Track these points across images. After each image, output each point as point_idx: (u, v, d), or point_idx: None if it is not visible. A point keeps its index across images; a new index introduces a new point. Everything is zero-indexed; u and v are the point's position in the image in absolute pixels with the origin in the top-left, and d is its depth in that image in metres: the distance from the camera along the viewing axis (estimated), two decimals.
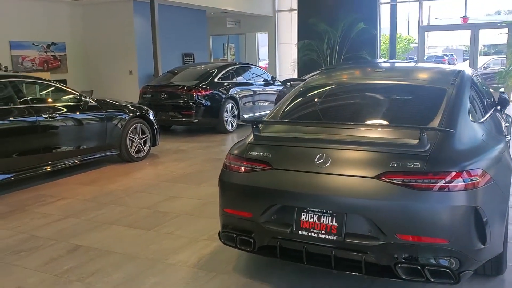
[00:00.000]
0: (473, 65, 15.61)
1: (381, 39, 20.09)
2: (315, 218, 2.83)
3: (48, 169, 6.18)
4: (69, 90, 6.79)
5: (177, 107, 9.95)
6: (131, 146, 7.47)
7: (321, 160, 2.86)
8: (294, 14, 19.27)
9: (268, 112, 11.64)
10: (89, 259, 3.88)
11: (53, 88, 6.80)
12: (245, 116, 10.93)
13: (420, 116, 3.28)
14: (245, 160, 3.14)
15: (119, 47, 14.47)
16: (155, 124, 7.92)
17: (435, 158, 2.67)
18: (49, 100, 6.66)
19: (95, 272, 3.62)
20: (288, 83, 9.78)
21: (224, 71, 10.72)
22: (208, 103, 10.00)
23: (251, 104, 11.21)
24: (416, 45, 41.36)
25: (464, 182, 2.61)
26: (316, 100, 3.86)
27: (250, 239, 3.07)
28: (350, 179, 2.77)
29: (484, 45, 21.87)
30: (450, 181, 2.60)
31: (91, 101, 6.87)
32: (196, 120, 9.92)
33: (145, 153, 7.76)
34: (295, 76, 17.90)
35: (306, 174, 2.88)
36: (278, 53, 19.71)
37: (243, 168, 3.14)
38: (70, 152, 6.50)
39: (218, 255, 3.92)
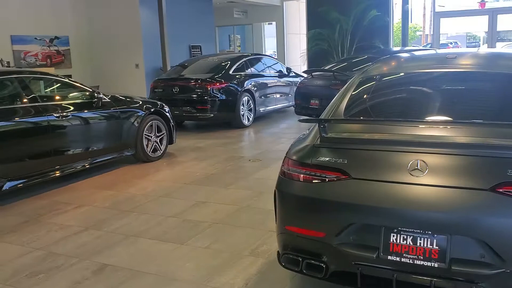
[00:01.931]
0: None
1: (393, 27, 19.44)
2: (409, 240, 2.30)
3: (59, 173, 5.64)
4: (81, 85, 6.23)
5: (191, 102, 9.41)
6: (147, 145, 6.94)
7: (416, 168, 2.32)
8: (302, 3, 18.63)
9: (285, 104, 11.17)
10: (119, 282, 3.36)
11: (63, 84, 6.25)
12: (261, 109, 10.38)
13: None
14: (312, 167, 2.60)
15: (124, 40, 13.87)
16: (171, 120, 7.39)
17: None
18: (60, 97, 6.11)
19: None
20: (310, 75, 9.23)
21: (238, 63, 10.16)
22: (224, 97, 9.45)
23: (267, 96, 10.66)
24: (421, 33, 40.61)
25: None
26: (388, 92, 3.30)
27: (321, 264, 2.54)
28: (455, 192, 2.24)
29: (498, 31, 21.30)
30: None
31: (105, 97, 6.32)
32: (212, 115, 9.37)
33: (161, 152, 7.23)
34: (305, 67, 17.31)
35: (396, 186, 2.35)
36: (286, 43, 19.10)
37: (309, 177, 2.60)
38: (84, 154, 5.98)
39: (268, 274, 3.41)
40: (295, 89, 11.78)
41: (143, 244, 4.01)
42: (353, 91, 3.20)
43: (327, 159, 2.57)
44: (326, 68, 9.56)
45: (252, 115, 10.04)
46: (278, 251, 2.90)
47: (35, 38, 12.83)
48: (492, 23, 15.39)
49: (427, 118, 2.79)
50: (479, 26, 22.73)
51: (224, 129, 9.68)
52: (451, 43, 28.85)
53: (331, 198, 2.49)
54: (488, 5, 15.35)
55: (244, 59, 10.50)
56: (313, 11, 16.89)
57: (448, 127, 2.59)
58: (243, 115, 9.76)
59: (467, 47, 28.04)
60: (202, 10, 16.11)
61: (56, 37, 13.37)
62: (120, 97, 6.77)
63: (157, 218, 4.62)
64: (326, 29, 16.10)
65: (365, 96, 3.24)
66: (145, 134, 6.86)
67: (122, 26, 13.80)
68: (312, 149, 2.69)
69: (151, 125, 7.00)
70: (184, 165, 6.81)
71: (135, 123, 6.68)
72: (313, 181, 2.58)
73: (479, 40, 28.28)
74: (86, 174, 6.25)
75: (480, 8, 15.47)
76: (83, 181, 6.07)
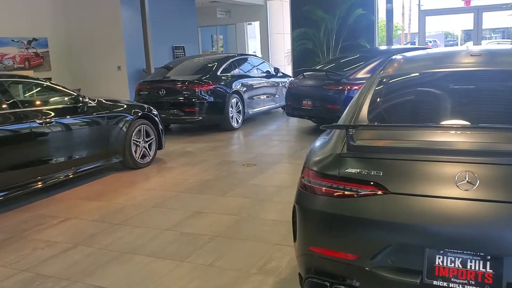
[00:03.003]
0: None
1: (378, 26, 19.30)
2: (457, 262, 2.03)
3: (42, 184, 5.25)
4: (65, 89, 5.85)
5: (178, 104, 9.06)
6: (135, 151, 6.58)
7: (465, 180, 2.04)
8: (285, 3, 18.38)
9: (273, 106, 10.86)
10: None
11: (45, 87, 5.86)
12: (250, 111, 10.08)
13: None
14: (340, 179, 2.30)
15: (106, 41, 13.42)
16: (160, 124, 7.04)
17: None
18: (43, 102, 5.71)
19: None
20: (301, 75, 8.96)
21: (226, 64, 9.84)
22: (212, 99, 9.12)
23: (256, 98, 10.36)
24: (401, 31, 40.79)
25: None
26: (417, 93, 3.01)
27: None
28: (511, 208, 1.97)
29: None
30: None
31: (90, 101, 5.94)
32: (200, 117, 9.04)
33: (151, 158, 6.88)
34: (290, 67, 17.06)
35: (442, 201, 2.07)
36: (271, 43, 18.83)
37: (337, 192, 2.30)
38: (69, 162, 5.59)
39: None
40: (283, 90, 11.60)
41: (140, 262, 3.67)
42: (374, 93, 2.91)
43: (358, 170, 2.27)
44: (317, 68, 9.29)
45: (241, 117, 9.73)
46: (299, 274, 2.60)
47: (12, 40, 12.32)
48: (478, 21, 15.36)
49: (469, 123, 2.50)
50: (457, 24, 22.79)
51: (213, 132, 9.35)
52: (430, 42, 28.95)
53: (366, 215, 2.19)
54: (473, 3, 15.31)
55: (232, 60, 10.19)
56: (298, 10, 16.65)
57: (499, 132, 2.31)
58: (232, 118, 9.44)
59: (445, 45, 28.14)
60: (185, 10, 15.75)
61: (34, 39, 12.87)
62: (106, 100, 6.40)
63: (152, 232, 4.28)
64: (311, 28, 15.86)
65: (390, 98, 2.95)
66: (133, 140, 6.50)
67: (103, 27, 13.36)
68: (337, 159, 2.39)
69: (140, 130, 6.65)
70: (175, 172, 6.47)
71: (123, 128, 6.32)
72: (342, 196, 2.28)
73: (457, 38, 28.45)
74: (70, 183, 5.87)
75: (466, 6, 15.41)
76: (68, 192, 5.69)
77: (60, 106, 5.68)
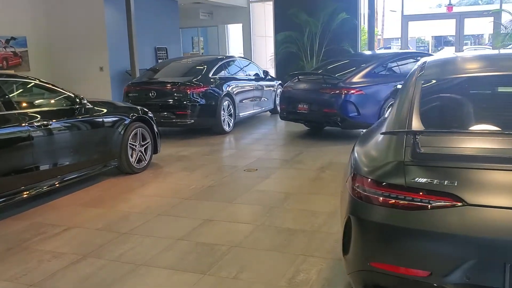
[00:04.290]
0: None
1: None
2: None
3: (32, 192, 4.95)
4: (62, 90, 5.56)
5: (169, 107, 8.80)
6: (131, 155, 6.32)
7: None
8: (268, 5, 18.28)
9: (263, 109, 10.70)
10: None
11: (41, 88, 5.54)
12: (241, 114, 9.90)
13: None
14: (407, 190, 2.15)
15: (88, 41, 13.01)
16: (155, 127, 6.79)
17: None
18: (40, 103, 5.39)
19: None
20: (296, 78, 8.83)
21: (217, 66, 9.63)
22: (204, 101, 8.90)
23: (246, 101, 10.18)
24: (379, 37, 41.49)
25: None
26: (472, 97, 2.88)
27: None
28: None
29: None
30: None
31: (88, 103, 5.67)
32: (192, 121, 8.80)
33: (146, 162, 6.62)
34: (273, 70, 16.93)
35: None
36: (254, 46, 18.68)
37: (404, 203, 2.15)
38: (68, 166, 5.31)
39: None
40: (272, 93, 11.47)
41: (159, 275, 3.45)
42: (422, 98, 2.77)
43: (428, 180, 2.12)
44: (310, 71, 9.18)
45: (232, 120, 9.53)
46: None
47: None
48: (460, 27, 15.58)
49: None
50: (428, 30, 23.04)
51: (204, 135, 9.12)
52: (399, 47, 29.33)
53: (440, 229, 2.05)
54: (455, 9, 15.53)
55: (222, 62, 9.98)
56: (282, 13, 16.56)
57: None
58: (224, 121, 9.24)
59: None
60: (167, 11, 15.46)
61: (13, 38, 12.36)
62: (103, 102, 6.13)
63: (164, 242, 4.05)
64: (294, 31, 15.79)
65: (442, 103, 2.83)
66: (129, 143, 6.24)
67: (86, 26, 12.95)
68: (401, 167, 2.24)
69: (136, 133, 6.39)
70: (174, 177, 6.23)
71: (120, 132, 6.05)
72: (409, 207, 2.13)
73: (427, 44, 28.92)
74: (65, 189, 5.57)
75: (448, 12, 15.62)
76: (64, 198, 5.40)
77: (58, 107, 5.40)
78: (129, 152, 6.26)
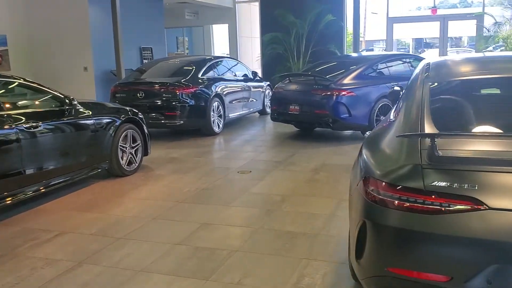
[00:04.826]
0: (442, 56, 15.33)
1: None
2: None
3: (32, 194, 4.81)
4: (51, 91, 5.40)
5: (158, 108, 8.66)
6: (122, 158, 6.18)
7: None
8: (254, 6, 18.22)
9: (252, 110, 10.62)
10: None
11: (30, 88, 5.37)
12: (230, 115, 9.80)
13: None
14: (427, 194, 2.09)
15: (71, 41, 12.76)
16: (145, 129, 6.66)
17: None
18: (29, 104, 5.23)
19: None
20: (287, 79, 8.77)
21: (206, 66, 9.52)
22: (194, 102, 8.77)
23: (236, 102, 10.09)
24: (361, 39, 41.80)
25: None
26: (483, 99, 2.85)
27: None
28: None
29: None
30: None
31: (79, 105, 5.52)
32: (181, 121, 8.67)
33: (137, 165, 6.48)
34: (260, 71, 16.87)
35: None
36: (240, 46, 18.59)
37: (423, 207, 2.09)
38: (59, 170, 5.16)
39: None
40: (261, 94, 11.41)
41: (160, 282, 3.34)
42: (432, 101, 2.72)
43: (447, 184, 2.07)
44: (301, 72, 9.14)
45: (222, 121, 9.43)
46: None
47: None
48: (444, 29, 15.73)
49: None
50: (408, 33, 23.24)
51: (194, 136, 9.00)
52: (384, 49, 29.55)
53: (462, 233, 2.00)
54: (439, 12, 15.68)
55: (211, 62, 9.87)
56: (268, 14, 16.50)
57: None
58: (213, 122, 9.13)
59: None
60: (153, 11, 15.29)
61: None
62: (93, 103, 5.99)
63: (162, 247, 3.94)
64: (281, 32, 15.75)
65: (454, 105, 2.78)
66: (120, 145, 6.10)
67: (69, 25, 12.71)
68: (418, 170, 2.18)
69: (126, 135, 6.25)
70: (166, 180, 6.11)
71: (111, 133, 5.91)
72: (430, 212, 2.08)
73: (408, 46, 29.22)
74: (55, 193, 5.40)
75: (432, 14, 15.75)
76: (54, 202, 5.24)
77: (48, 109, 5.26)
78: (120, 154, 6.12)
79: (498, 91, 2.92)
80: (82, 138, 5.54)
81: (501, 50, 14.80)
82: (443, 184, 2.09)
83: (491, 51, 14.91)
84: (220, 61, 10.42)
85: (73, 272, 3.53)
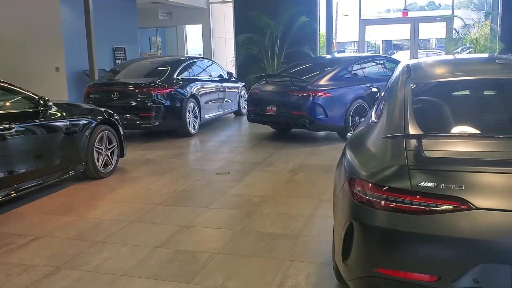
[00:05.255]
0: (414, 58, 15.59)
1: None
2: None
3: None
4: (25, 91, 5.26)
5: (133, 109, 8.55)
6: (97, 160, 6.07)
7: None
8: (227, 7, 18.17)
9: (227, 111, 10.59)
10: None
11: (2, 89, 5.19)
12: (206, 116, 9.75)
13: None
14: (414, 194, 2.12)
15: (42, 40, 12.45)
16: (121, 130, 6.56)
17: None
18: (1, 106, 5.07)
19: None
20: (264, 80, 8.77)
21: (181, 67, 9.45)
22: (169, 103, 8.70)
23: (211, 103, 10.04)
24: (333, 40, 42.18)
25: None
26: (466, 100, 2.90)
27: None
28: None
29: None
30: None
31: (53, 106, 5.39)
32: (157, 122, 8.58)
33: (112, 166, 6.38)
34: (234, 71, 16.84)
35: None
36: (213, 47, 18.52)
37: (411, 207, 2.11)
38: (32, 173, 5.03)
39: None
40: (237, 95, 11.39)
41: (141, 286, 3.29)
42: (415, 102, 2.76)
43: (434, 184, 2.10)
44: (277, 73, 9.16)
45: (197, 122, 9.37)
46: None
47: None
48: (415, 31, 16.01)
49: None
50: (382, 34, 23.57)
51: (169, 138, 8.92)
52: (355, 51, 29.91)
53: (450, 233, 2.03)
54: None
55: (186, 63, 9.80)
56: (242, 15, 16.50)
57: None
58: (189, 123, 9.06)
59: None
60: (126, 11, 15.09)
61: None
62: (67, 104, 5.87)
63: (142, 250, 3.88)
64: (256, 34, 15.77)
65: (437, 107, 2.82)
66: (95, 147, 5.99)
67: (40, 24, 12.41)
68: (405, 171, 2.21)
69: (102, 137, 6.14)
70: (142, 182, 6.02)
71: (87, 135, 5.80)
72: (418, 212, 2.10)
73: (378, 48, 29.66)
74: (29, 196, 5.26)
75: (403, 16, 16.01)
76: (28, 205, 5.11)
77: (21, 110, 5.12)
78: (95, 156, 6.01)
79: (479, 92, 2.98)
80: (57, 140, 5.42)
81: (469, 52, 15.13)
82: (430, 184, 2.12)
83: (459, 53, 15.24)
84: (195, 61, 10.36)
85: (51, 278, 3.44)
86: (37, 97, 5.26)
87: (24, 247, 4.01)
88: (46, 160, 5.25)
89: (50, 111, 5.31)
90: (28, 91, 5.30)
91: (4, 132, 4.63)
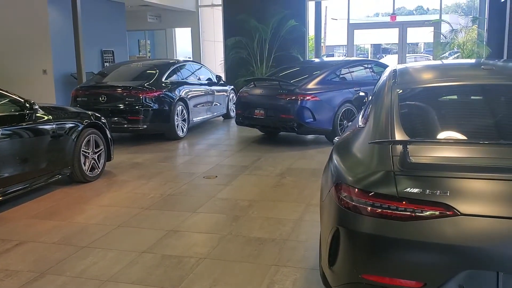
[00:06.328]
0: (402, 62, 15.71)
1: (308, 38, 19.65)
2: None
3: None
4: (10, 94, 5.22)
5: (121, 112, 8.49)
6: (84, 163, 6.02)
7: None
8: (216, 10, 18.17)
9: (215, 114, 10.57)
10: None
11: None
12: (195, 119, 9.72)
13: None
14: (400, 200, 2.12)
15: (30, 43, 12.34)
16: (108, 134, 6.52)
17: None
18: None
19: None
20: (252, 83, 8.78)
21: (170, 70, 9.42)
22: (157, 106, 8.66)
23: (200, 106, 10.02)
24: (322, 44, 42.49)
25: None
26: (454, 106, 2.91)
27: None
28: None
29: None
30: None
31: (39, 109, 5.34)
32: (145, 126, 8.54)
33: (100, 170, 6.33)
34: (223, 75, 16.82)
35: None
36: (202, 50, 18.50)
37: (396, 213, 2.12)
38: (18, 176, 4.98)
39: None
40: (225, 98, 11.38)
41: None
42: (402, 108, 2.77)
43: (420, 190, 2.11)
44: (266, 77, 9.16)
45: (186, 125, 9.34)
46: None
47: None
48: (403, 36, 16.13)
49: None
50: (371, 38, 23.77)
51: (157, 141, 8.88)
52: (344, 54, 30.11)
53: (435, 239, 2.03)
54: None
55: (175, 66, 9.78)
56: (231, 19, 16.51)
57: None
58: (177, 126, 9.03)
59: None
60: (114, 13, 15.04)
61: None
62: (54, 107, 5.82)
63: (128, 255, 3.85)
64: (244, 37, 15.79)
65: (423, 112, 2.83)
66: (82, 151, 5.94)
67: (27, 27, 12.29)
68: (390, 177, 2.21)
69: (89, 140, 6.10)
70: (130, 186, 5.99)
71: (73, 139, 5.75)
72: (401, 218, 2.11)
73: (367, 52, 29.86)
74: (13, 200, 5.21)
75: (391, 21, 16.12)
76: (13, 210, 5.05)
77: (6, 113, 5.05)
78: (82, 159, 5.96)
79: (464, 98, 3.00)
80: (43, 144, 5.37)
81: (457, 57, 15.26)
82: (415, 190, 2.12)
83: (446, 57, 15.36)
84: (184, 64, 10.33)
85: (35, 283, 3.40)
86: (22, 100, 5.21)
87: (8, 252, 3.96)
88: (32, 164, 5.20)
89: (36, 115, 5.27)
90: (13, 94, 5.25)
91: None
